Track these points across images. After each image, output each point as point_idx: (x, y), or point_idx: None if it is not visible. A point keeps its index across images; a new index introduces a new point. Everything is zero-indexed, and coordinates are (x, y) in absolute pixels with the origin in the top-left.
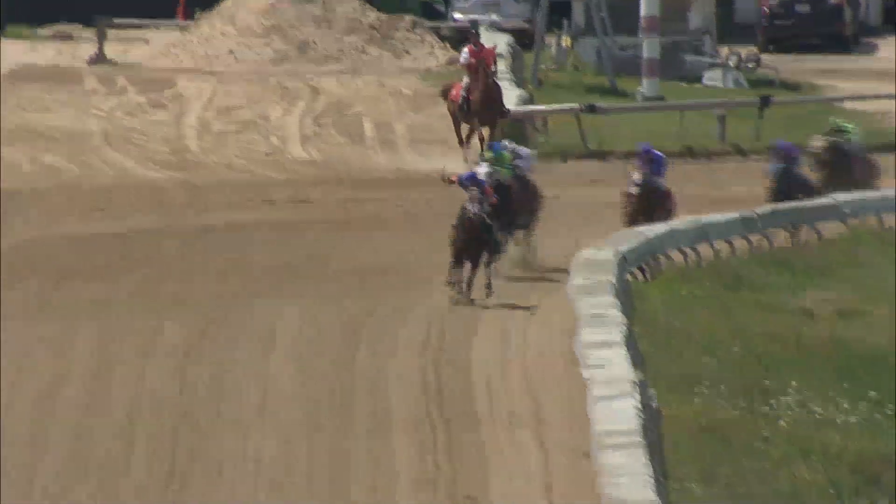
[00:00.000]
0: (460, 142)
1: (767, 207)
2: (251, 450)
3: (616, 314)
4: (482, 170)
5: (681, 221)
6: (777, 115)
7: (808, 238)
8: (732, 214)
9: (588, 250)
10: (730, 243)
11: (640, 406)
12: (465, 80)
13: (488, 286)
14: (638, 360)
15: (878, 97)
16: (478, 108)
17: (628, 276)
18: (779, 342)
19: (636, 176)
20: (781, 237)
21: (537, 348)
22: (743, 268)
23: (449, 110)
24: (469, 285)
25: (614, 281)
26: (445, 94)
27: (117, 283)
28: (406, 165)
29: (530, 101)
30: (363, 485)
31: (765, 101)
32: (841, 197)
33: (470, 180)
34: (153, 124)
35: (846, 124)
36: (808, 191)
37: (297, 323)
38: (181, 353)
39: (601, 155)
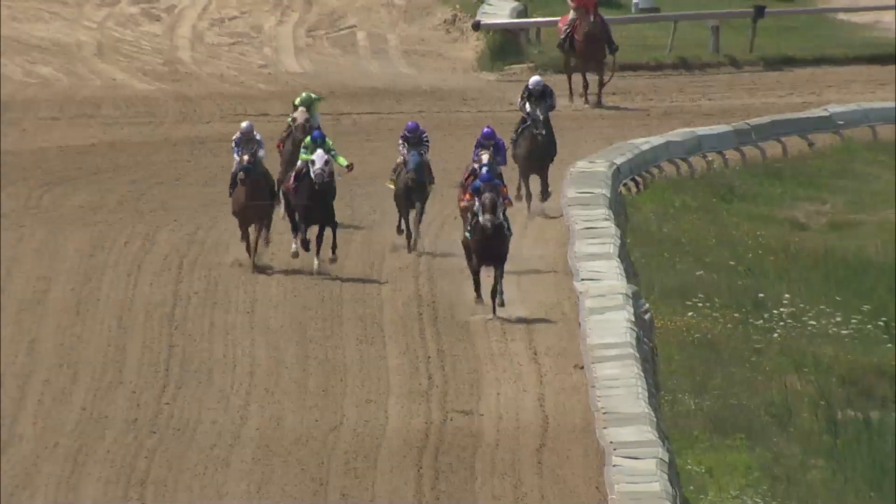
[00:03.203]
0: (568, 76)
1: (763, 118)
2: (242, 357)
3: (609, 226)
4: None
5: (674, 133)
6: (771, 25)
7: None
8: (725, 126)
9: (581, 162)
10: (722, 155)
11: (632, 318)
12: (571, 14)
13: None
14: (631, 272)
15: (872, 8)
16: (581, 46)
17: (621, 188)
18: (771, 253)
19: (485, 157)
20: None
21: (531, 260)
22: (735, 179)
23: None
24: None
25: (608, 193)
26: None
27: (107, 191)
28: (399, 77)
29: (524, 12)
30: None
31: (759, 12)
32: (835, 108)
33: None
34: (145, 36)
35: (314, 95)
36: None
37: (287, 229)
38: (171, 260)
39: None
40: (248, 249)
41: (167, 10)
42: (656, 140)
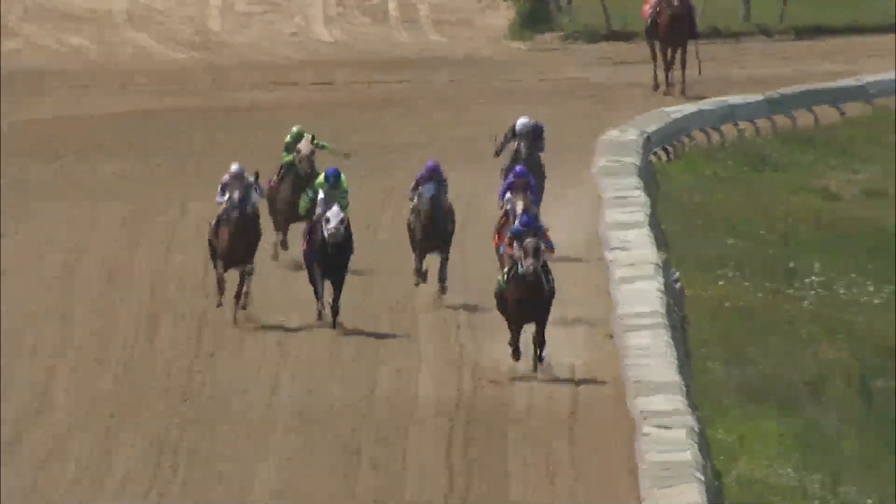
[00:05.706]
0: (654, 63)
1: (795, 88)
2: (274, 326)
3: (640, 195)
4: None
5: (706, 102)
6: None
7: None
8: (757, 95)
9: (612, 132)
10: (754, 124)
11: (663, 287)
12: None
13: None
14: (661, 241)
15: None
16: (665, 31)
17: (652, 157)
18: (803, 223)
19: (520, 205)
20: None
21: (561, 229)
22: (767, 148)
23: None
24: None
25: (638, 162)
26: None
27: (139, 160)
28: (430, 46)
29: None
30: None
31: None
32: (867, 77)
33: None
34: (176, 4)
35: (324, 142)
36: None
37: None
38: (203, 229)
39: (625, 36)
40: (219, 292)
41: None
42: (688, 108)
